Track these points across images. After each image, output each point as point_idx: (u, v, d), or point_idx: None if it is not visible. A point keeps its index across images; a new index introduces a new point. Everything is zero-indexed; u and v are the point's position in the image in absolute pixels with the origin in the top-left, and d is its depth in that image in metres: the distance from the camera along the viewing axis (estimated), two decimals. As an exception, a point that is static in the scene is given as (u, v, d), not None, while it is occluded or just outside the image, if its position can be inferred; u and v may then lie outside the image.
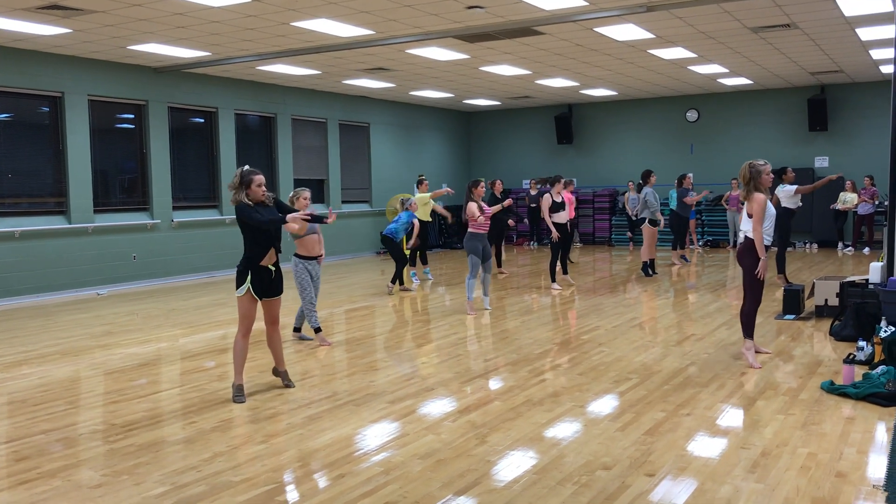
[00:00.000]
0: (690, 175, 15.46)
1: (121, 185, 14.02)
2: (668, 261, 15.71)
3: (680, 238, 15.68)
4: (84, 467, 4.65)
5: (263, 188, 6.00)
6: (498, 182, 14.57)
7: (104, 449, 4.97)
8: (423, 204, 13.04)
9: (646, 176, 13.91)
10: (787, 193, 11.23)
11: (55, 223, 12.56)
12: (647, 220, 13.66)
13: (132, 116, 13.96)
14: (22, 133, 12.43)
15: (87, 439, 5.19)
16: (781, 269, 11.72)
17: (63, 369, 7.35)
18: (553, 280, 12.14)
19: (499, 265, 14.25)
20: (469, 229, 9.98)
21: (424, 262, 13.63)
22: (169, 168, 14.32)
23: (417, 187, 13.63)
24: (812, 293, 9.34)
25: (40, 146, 12.57)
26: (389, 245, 11.92)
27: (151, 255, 13.97)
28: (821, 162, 18.54)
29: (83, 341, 8.67)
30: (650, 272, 13.54)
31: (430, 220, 13.81)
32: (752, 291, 6.88)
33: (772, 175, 6.82)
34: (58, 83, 12.49)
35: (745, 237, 6.85)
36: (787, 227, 11.35)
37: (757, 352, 7.20)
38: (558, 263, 12.31)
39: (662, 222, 13.88)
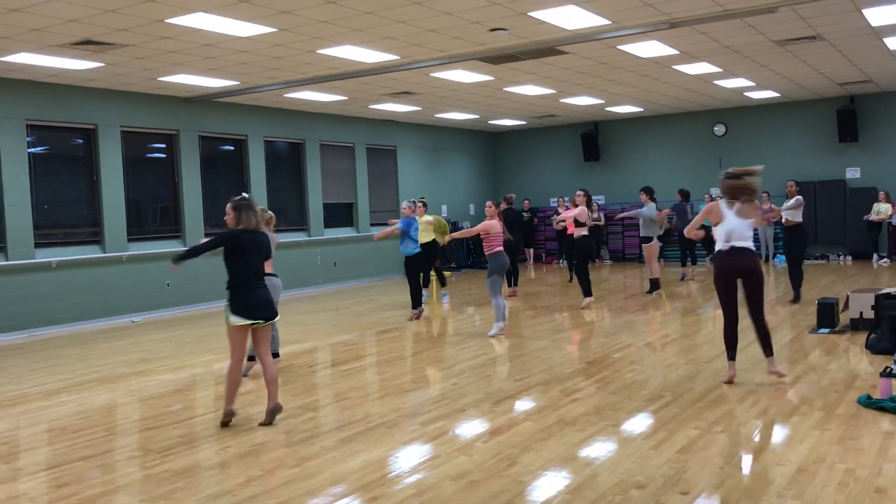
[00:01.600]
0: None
1: (153, 214, 14.25)
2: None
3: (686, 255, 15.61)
4: (122, 493, 4.72)
5: (229, 215, 6.03)
6: (510, 196, 14.37)
7: (141, 475, 5.04)
8: (425, 228, 12.56)
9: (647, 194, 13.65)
10: (786, 206, 11.18)
11: (90, 252, 12.79)
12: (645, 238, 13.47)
13: (164, 146, 14.21)
14: (57, 165, 12.72)
15: (125, 465, 5.26)
16: (796, 288, 11.55)
17: (100, 396, 7.46)
18: (587, 293, 12.00)
19: (510, 284, 13.97)
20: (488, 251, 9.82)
21: (443, 283, 13.56)
22: (200, 196, 14.54)
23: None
24: (846, 306, 9.20)
25: (75, 177, 12.85)
26: (413, 262, 11.62)
27: (184, 281, 14.15)
28: (852, 173, 18.32)
29: (119, 368, 8.80)
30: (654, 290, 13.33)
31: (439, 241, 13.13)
32: (722, 309, 6.79)
33: (732, 181, 6.69)
34: (91, 116, 12.78)
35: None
36: (796, 241, 11.27)
37: (772, 372, 6.82)
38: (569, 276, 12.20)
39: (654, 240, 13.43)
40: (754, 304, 6.70)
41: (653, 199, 13.59)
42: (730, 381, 6.74)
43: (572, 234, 12.27)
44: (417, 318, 11.51)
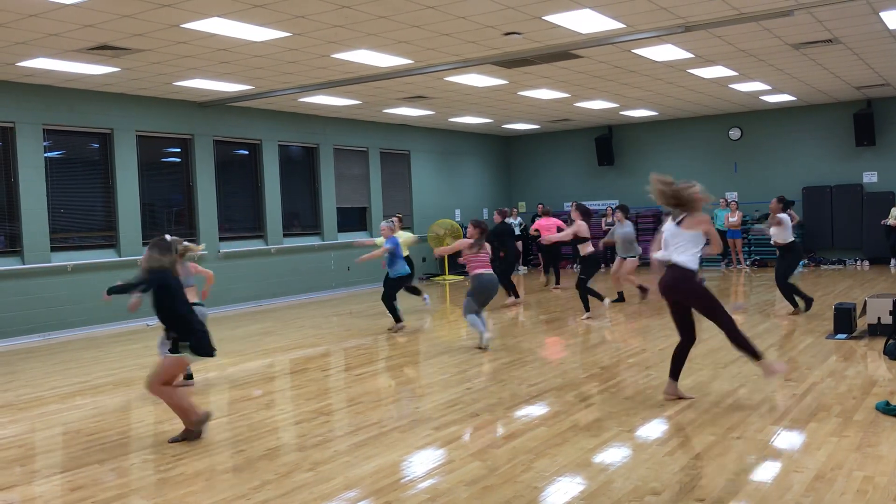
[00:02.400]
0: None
1: (168, 218, 14.32)
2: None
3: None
4: (136, 496, 4.73)
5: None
6: (496, 214, 13.95)
7: (155, 478, 5.05)
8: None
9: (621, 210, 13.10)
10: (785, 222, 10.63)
11: (105, 256, 12.86)
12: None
13: (179, 150, 14.29)
14: (73, 169, 12.81)
15: (139, 468, 5.28)
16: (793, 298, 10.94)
17: (115, 399, 7.49)
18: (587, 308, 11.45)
19: (509, 294, 13.60)
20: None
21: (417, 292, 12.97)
22: (215, 200, 14.60)
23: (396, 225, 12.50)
24: (864, 311, 9.12)
25: (91, 181, 12.93)
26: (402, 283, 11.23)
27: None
28: (869, 177, 18.17)
29: (134, 371, 8.82)
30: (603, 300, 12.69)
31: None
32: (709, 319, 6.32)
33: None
34: (107, 120, 12.86)
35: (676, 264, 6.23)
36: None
37: (679, 397, 6.45)
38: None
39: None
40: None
41: (628, 218, 13.08)
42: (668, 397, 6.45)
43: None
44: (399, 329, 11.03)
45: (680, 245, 6.24)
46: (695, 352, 8.54)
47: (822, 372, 7.29)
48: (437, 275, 19.29)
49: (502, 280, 12.26)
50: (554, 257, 15.94)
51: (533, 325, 11.26)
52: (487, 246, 9.41)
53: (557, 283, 15.71)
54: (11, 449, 5.89)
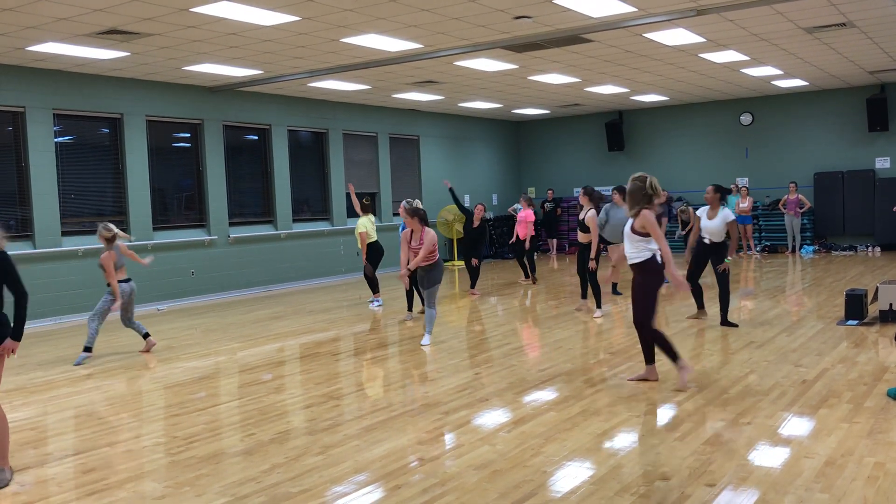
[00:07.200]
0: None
1: (178, 203, 14.35)
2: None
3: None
4: (147, 479, 4.76)
5: None
6: (479, 207, 13.31)
7: (166, 461, 5.08)
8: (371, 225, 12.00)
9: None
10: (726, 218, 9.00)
11: (116, 241, 12.89)
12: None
13: (188, 135, 14.29)
14: (84, 154, 12.83)
15: (150, 451, 5.31)
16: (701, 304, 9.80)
17: (126, 383, 7.53)
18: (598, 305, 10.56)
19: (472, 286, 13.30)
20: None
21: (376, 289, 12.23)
22: (225, 185, 14.62)
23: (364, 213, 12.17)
24: (875, 297, 9.08)
25: (101, 166, 12.96)
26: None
27: (209, 270, 14.25)
28: (882, 163, 18.03)
29: (145, 356, 8.87)
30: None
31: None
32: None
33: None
34: (117, 105, 12.87)
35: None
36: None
37: (644, 379, 6.61)
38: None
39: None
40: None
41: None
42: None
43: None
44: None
45: None
46: (704, 337, 8.55)
47: (832, 358, 7.27)
48: (447, 261, 19.29)
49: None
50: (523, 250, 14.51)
51: (543, 309, 11.25)
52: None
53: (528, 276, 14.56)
54: (24, 431, 5.93)
